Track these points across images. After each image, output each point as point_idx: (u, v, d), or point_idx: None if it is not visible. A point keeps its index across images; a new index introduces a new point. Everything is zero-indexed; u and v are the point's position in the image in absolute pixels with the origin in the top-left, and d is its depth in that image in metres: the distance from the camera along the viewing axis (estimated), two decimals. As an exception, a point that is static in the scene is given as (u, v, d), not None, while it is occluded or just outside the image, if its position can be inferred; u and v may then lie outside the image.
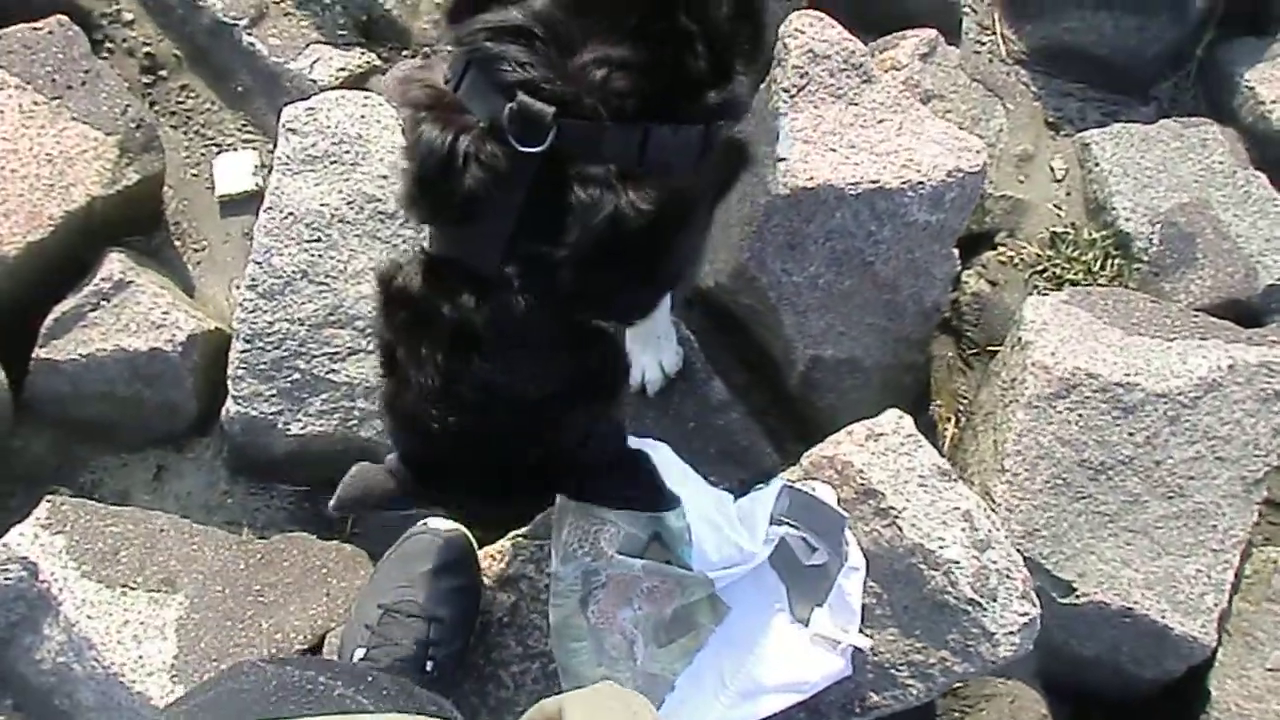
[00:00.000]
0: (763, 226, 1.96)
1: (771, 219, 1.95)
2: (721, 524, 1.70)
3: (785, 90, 1.97)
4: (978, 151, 1.97)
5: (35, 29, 2.22)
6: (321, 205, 2.07)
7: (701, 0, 1.32)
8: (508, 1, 1.29)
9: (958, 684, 2.08)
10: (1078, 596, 2.01)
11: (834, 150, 1.92)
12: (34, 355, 2.09)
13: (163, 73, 2.54)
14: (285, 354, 2.04)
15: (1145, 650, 2.05)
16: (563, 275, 1.31)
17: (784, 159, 1.91)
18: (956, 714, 2.12)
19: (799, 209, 1.93)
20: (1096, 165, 2.58)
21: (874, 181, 1.92)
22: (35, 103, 2.15)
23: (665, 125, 1.31)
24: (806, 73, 1.97)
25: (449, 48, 1.38)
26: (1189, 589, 2.01)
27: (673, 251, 1.43)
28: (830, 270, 2.01)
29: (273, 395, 2.05)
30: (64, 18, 2.27)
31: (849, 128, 1.96)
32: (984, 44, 2.84)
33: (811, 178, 1.91)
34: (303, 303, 2.04)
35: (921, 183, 1.93)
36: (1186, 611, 2.00)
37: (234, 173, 2.44)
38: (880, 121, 1.99)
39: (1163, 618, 1.99)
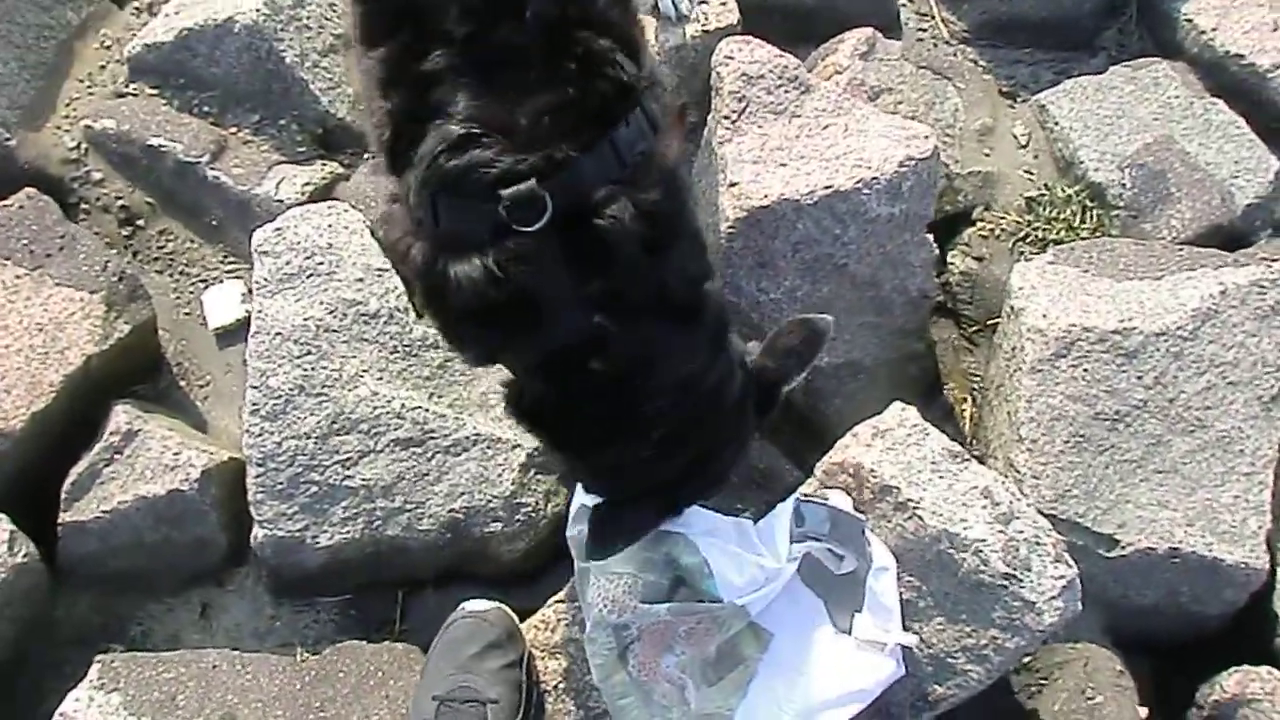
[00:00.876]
0: (729, 252, 1.98)
1: (735, 243, 1.97)
2: (740, 550, 1.70)
3: (726, 118, 2.00)
4: (925, 137, 1.99)
5: (5, 206, 2.29)
6: (305, 319, 2.12)
7: (581, 8, 1.36)
8: (429, 124, 1.34)
9: (1025, 658, 2.07)
10: (1123, 548, 2.00)
11: (784, 165, 1.95)
12: (60, 521, 2.13)
13: (140, 222, 2.60)
14: (299, 470, 2.07)
15: (1202, 587, 2.03)
16: (636, 290, 1.39)
17: (735, 183, 1.93)
18: (1033, 688, 2.10)
19: (760, 228, 1.96)
20: (1057, 124, 2.59)
21: (828, 187, 1.94)
22: (17, 276, 2.21)
23: (618, 125, 1.37)
24: (744, 96, 2.00)
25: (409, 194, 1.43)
26: (1230, 518, 1.99)
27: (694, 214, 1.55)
28: (805, 280, 2.03)
29: (295, 513, 2.08)
30: (32, 190, 2.34)
31: (795, 140, 1.99)
32: (925, 30, 2.87)
33: (766, 195, 1.93)
34: (305, 417, 2.07)
35: (876, 178, 1.95)
36: (1233, 540, 1.98)
37: (223, 304, 2.49)
38: (825, 128, 2.01)
39: (1210, 551, 1.98)
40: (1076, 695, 2.05)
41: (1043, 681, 2.10)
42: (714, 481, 1.69)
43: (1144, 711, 2.05)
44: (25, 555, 2.05)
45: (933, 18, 2.86)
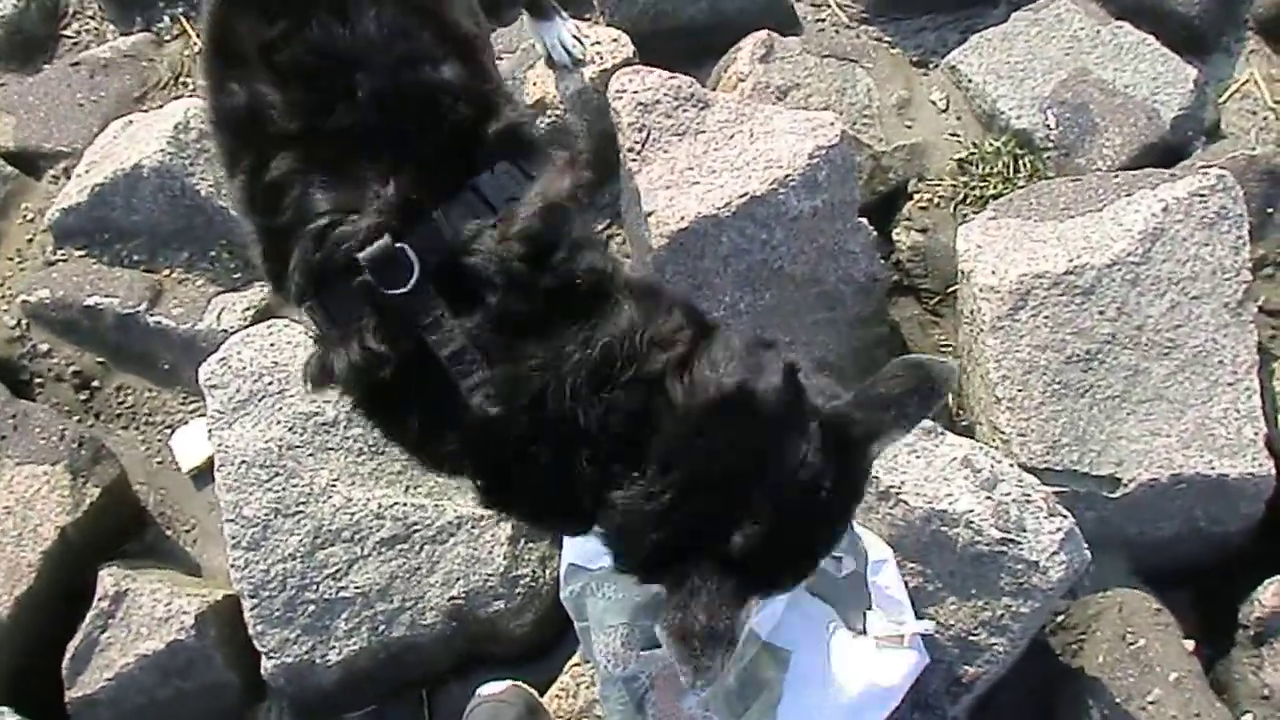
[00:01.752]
0: (664, 280, 1.96)
1: (666, 270, 1.95)
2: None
3: (631, 149, 1.99)
4: (831, 123, 1.98)
5: (-44, 402, 2.29)
6: (267, 442, 2.10)
7: (416, 75, 1.36)
8: (294, 234, 1.35)
9: (1057, 616, 2.03)
10: (1126, 485, 1.96)
11: (697, 183, 1.93)
12: (67, 699, 2.10)
13: (95, 383, 2.60)
14: (292, 593, 2.04)
15: (1216, 506, 1.99)
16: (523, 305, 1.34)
17: (651, 211, 1.92)
18: (1073, 646, 2.05)
19: (686, 250, 1.94)
20: (971, 82, 2.58)
21: (744, 194, 1.92)
22: (-26, 469, 2.21)
23: (478, 174, 1.35)
24: (643, 125, 1.99)
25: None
26: (1224, 431, 1.95)
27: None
28: (745, 291, 2.01)
29: (299, 636, 2.05)
30: (-16, 384, 2.34)
31: (703, 156, 1.97)
32: (823, 20, 2.87)
33: (683, 218, 1.91)
34: (286, 539, 2.05)
35: (789, 175, 1.94)
36: (1233, 452, 1.94)
37: (192, 445, 2.47)
38: (731, 137, 2.00)
39: (1213, 469, 1.94)
40: (1118, 643, 2.00)
41: (1081, 637, 2.05)
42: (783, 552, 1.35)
43: (1190, 644, 2.01)
44: (35, 745, 2.02)
45: (828, 6, 2.85)
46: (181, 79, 3.04)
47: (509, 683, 1.89)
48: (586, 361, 1.28)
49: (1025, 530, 1.66)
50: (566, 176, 1.38)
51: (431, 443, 1.39)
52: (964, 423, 2.28)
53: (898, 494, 1.71)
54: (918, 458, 1.72)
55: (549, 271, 1.31)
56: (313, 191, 1.31)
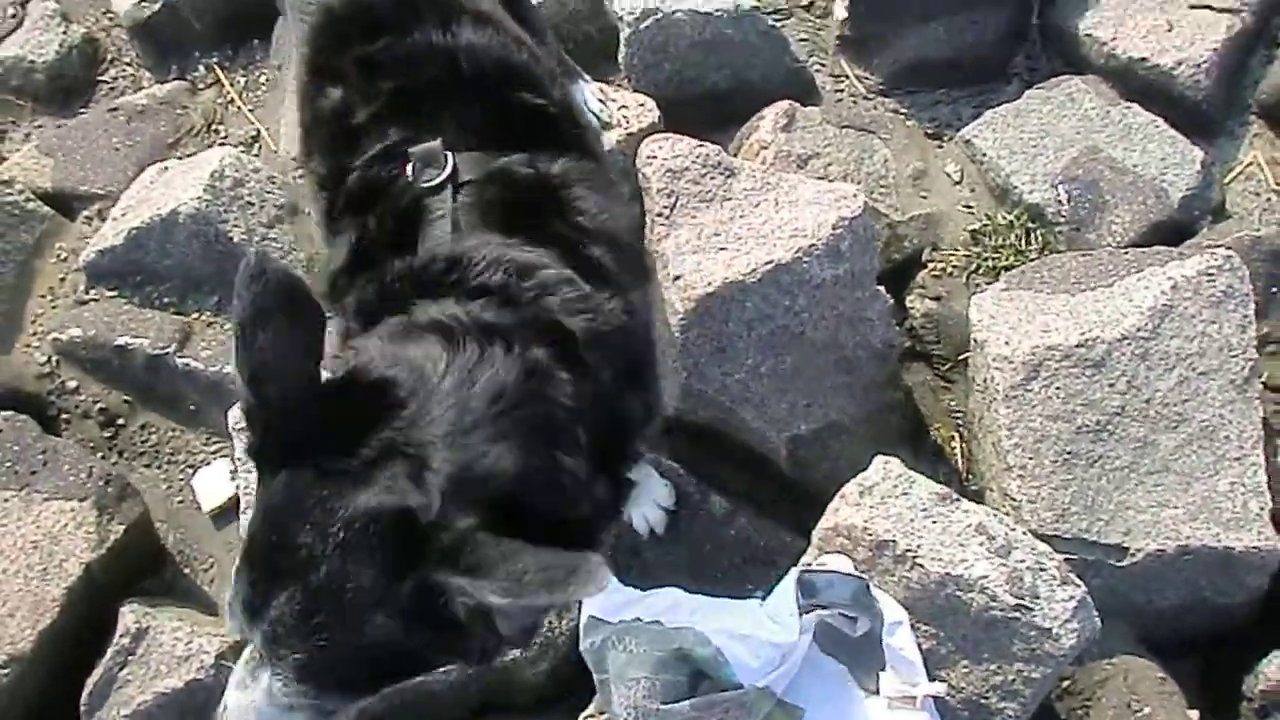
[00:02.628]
0: (687, 344, 2.02)
1: (690, 333, 2.01)
2: (750, 631, 1.70)
3: (659, 215, 2.06)
4: (854, 195, 2.04)
5: (-15, 430, 2.34)
6: (293, 486, 2.13)
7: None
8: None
9: (1064, 681, 2.06)
10: (1134, 554, 2.00)
11: (723, 249, 2.00)
12: (83, 733, 2.13)
13: (121, 421, 2.64)
14: (310, 635, 2.07)
15: (1221, 578, 2.03)
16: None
17: (679, 276, 1.98)
18: (1079, 711, 2.08)
19: (712, 314, 2.00)
20: (985, 155, 2.65)
21: (769, 261, 1.98)
22: (5, 500, 2.24)
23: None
24: (671, 191, 2.06)
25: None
26: (1230, 504, 2.00)
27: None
28: (767, 356, 2.07)
29: (314, 678, 2.08)
30: (8, 412, 2.39)
31: (729, 223, 2.04)
32: (841, 91, 2.95)
33: (710, 283, 1.98)
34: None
35: (813, 244, 2.00)
36: (1239, 526, 1.99)
37: (214, 486, 2.52)
38: (757, 205, 2.07)
39: (1219, 541, 1.98)
40: (1124, 710, 2.03)
41: (1087, 703, 2.08)
42: None
43: (1194, 715, 2.03)
44: (54, 782, 2.04)
45: (846, 77, 2.94)
46: (214, 126, 3.12)
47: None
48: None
49: (1039, 597, 1.70)
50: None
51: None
52: (973, 487, 2.33)
53: (914, 557, 1.75)
54: (934, 523, 1.77)
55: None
56: (393, 129, 1.55)
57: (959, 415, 2.47)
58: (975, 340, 2.22)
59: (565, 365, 1.36)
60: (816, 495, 2.28)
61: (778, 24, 2.89)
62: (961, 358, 2.48)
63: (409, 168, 1.52)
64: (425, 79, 1.61)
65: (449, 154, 1.51)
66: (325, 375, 1.33)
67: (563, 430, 1.33)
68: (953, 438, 2.45)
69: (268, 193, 2.71)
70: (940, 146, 2.82)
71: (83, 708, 2.12)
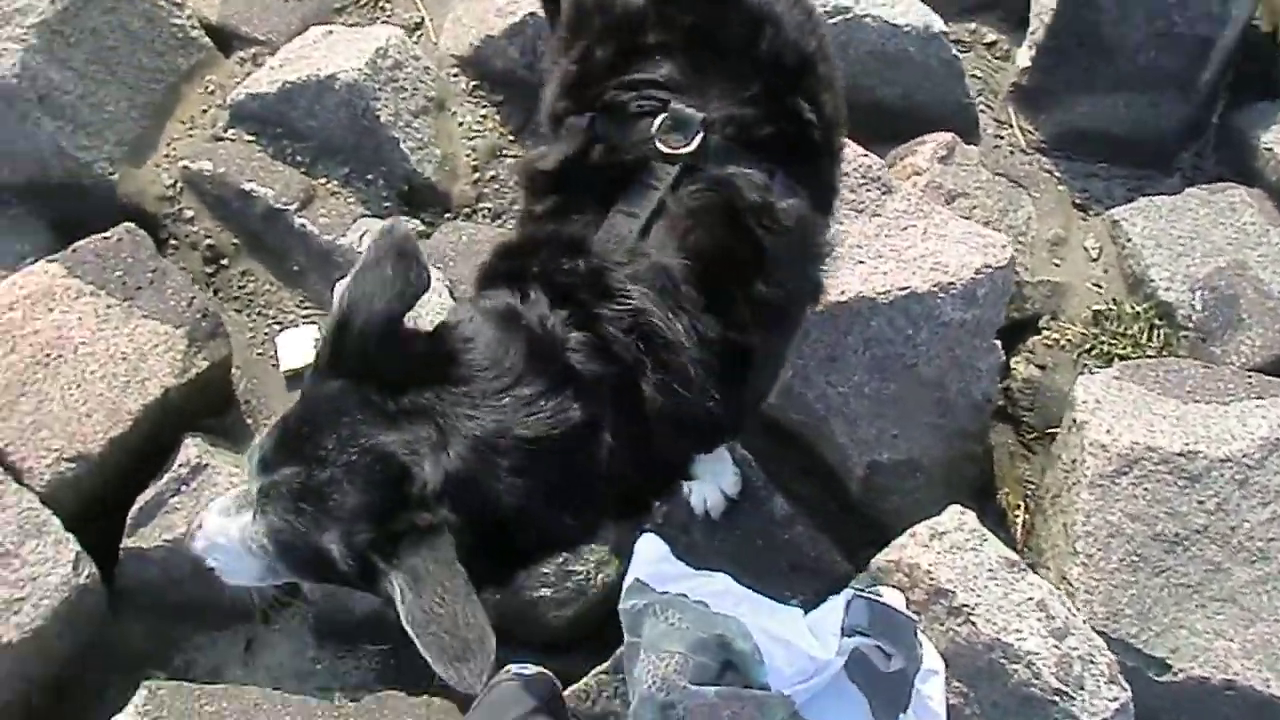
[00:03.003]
0: (802, 343, 2.01)
1: (810, 335, 2.01)
2: (791, 638, 1.70)
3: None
4: (1003, 246, 2.02)
5: (106, 239, 2.38)
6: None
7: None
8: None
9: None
10: (1175, 674, 1.98)
11: (862, 263, 1.99)
12: (122, 545, 2.18)
13: (224, 261, 2.69)
14: (359, 517, 2.10)
15: (1256, 724, 2.00)
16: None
17: (814, 277, 1.97)
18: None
19: (835, 323, 1.99)
20: (1129, 240, 2.61)
21: (904, 288, 1.97)
22: (109, 306, 2.29)
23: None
24: (826, 192, 2.05)
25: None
26: (1288, 654, 1.97)
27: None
28: (874, 377, 2.06)
29: (351, 559, 2.11)
30: (132, 225, 2.43)
31: (874, 239, 2.03)
32: (1002, 138, 2.91)
33: (843, 292, 1.97)
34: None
35: (952, 283, 1.99)
36: (1290, 678, 1.96)
37: (297, 348, 2.55)
38: (904, 229, 2.05)
39: (1268, 687, 1.95)
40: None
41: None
42: None
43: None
44: (88, 577, 2.09)
45: (1011, 125, 2.90)
46: (381, 3, 3.12)
47: (541, 669, 1.93)
48: None
49: (1083, 689, 1.69)
50: None
51: None
52: (1027, 560, 2.31)
53: (969, 614, 1.74)
54: (997, 585, 1.76)
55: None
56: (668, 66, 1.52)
57: (1030, 485, 2.45)
58: (1074, 419, 2.20)
59: (624, 434, 1.39)
60: (876, 524, 2.28)
61: (958, 55, 2.85)
62: (1049, 431, 2.45)
63: (658, 120, 1.48)
64: (722, 35, 1.56)
65: (702, 135, 1.46)
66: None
67: (583, 492, 1.40)
68: (1019, 506, 2.43)
69: (421, 82, 2.73)
70: (1085, 219, 2.78)
71: (129, 520, 2.17)
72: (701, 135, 1.47)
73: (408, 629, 1.23)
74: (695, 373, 1.40)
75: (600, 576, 2.15)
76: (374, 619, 2.18)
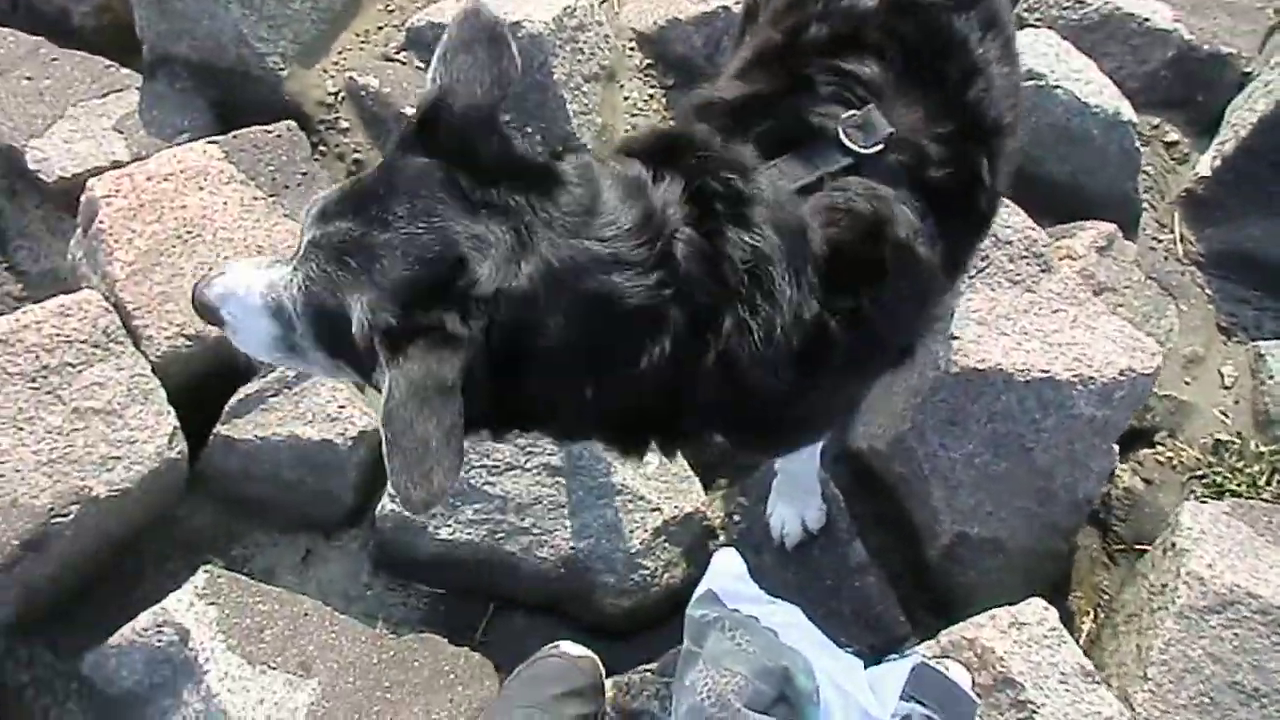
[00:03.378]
0: (928, 399, 1.98)
1: (938, 393, 1.97)
2: (851, 689, 1.68)
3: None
4: (1152, 354, 1.97)
5: (266, 131, 2.42)
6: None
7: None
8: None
9: None
10: (1218, 823, 1.92)
11: (1007, 335, 1.95)
12: (214, 431, 2.22)
13: (365, 179, 2.71)
14: (446, 461, 2.11)
15: None
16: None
17: (957, 337, 1.94)
18: None
19: (966, 388, 1.95)
20: (1270, 377, 2.53)
21: (1044, 371, 1.93)
22: (254, 198, 2.32)
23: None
24: (988, 255, 2.01)
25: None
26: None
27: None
28: (988, 450, 2.02)
29: (428, 499, 2.12)
30: (293, 123, 2.47)
31: (1024, 314, 1.99)
32: (1160, 241, 2.83)
33: (983, 360, 1.93)
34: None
35: (1092, 378, 1.94)
36: None
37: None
38: (1055, 311, 2.01)
39: None
40: None
41: None
42: None
43: None
44: (179, 453, 2.14)
45: (1172, 231, 2.82)
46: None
47: (588, 653, 1.93)
48: None
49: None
50: None
51: None
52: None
53: (1033, 712, 1.71)
54: (1068, 691, 1.72)
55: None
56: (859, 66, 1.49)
57: (1104, 595, 2.39)
58: (1173, 543, 2.13)
59: (680, 349, 1.31)
60: (943, 593, 2.25)
61: (1140, 148, 2.79)
62: (1137, 546, 2.39)
63: (850, 112, 1.45)
64: (936, 66, 1.53)
65: (882, 147, 1.43)
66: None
67: (614, 377, 1.31)
68: (1088, 613, 2.37)
69: (599, 49, 2.73)
70: (1227, 343, 2.70)
71: (227, 408, 2.21)
72: (881, 148, 1.44)
73: (381, 428, 1.18)
74: (778, 336, 1.35)
75: (666, 577, 2.14)
76: (435, 562, 2.20)
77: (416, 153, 1.29)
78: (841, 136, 1.43)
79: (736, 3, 2.69)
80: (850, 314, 1.40)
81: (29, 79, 2.64)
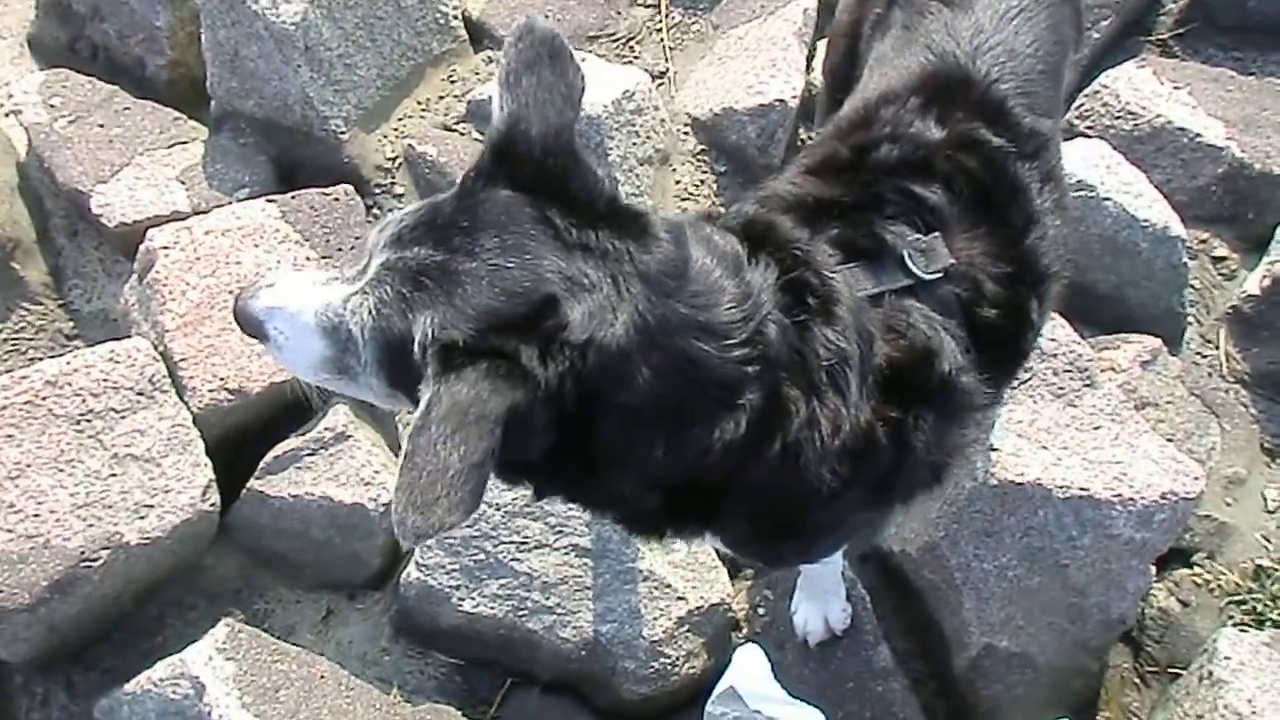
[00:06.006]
0: (963, 510, 1.96)
1: (974, 504, 1.96)
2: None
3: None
4: (1195, 478, 1.95)
5: (324, 194, 2.46)
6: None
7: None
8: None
9: None
10: None
11: (1047, 449, 1.93)
12: (247, 485, 2.23)
13: (415, 244, 2.74)
14: (476, 534, 2.12)
15: None
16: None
17: (997, 449, 1.92)
18: None
19: (1003, 501, 1.94)
20: (1313, 503, 2.49)
21: (1084, 489, 1.91)
22: (308, 258, 2.36)
23: None
24: (1031, 368, 2.01)
25: None
26: None
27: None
28: (1022, 564, 1.99)
29: (455, 570, 2.13)
30: (350, 187, 2.51)
31: (1065, 429, 1.97)
32: (1204, 358, 2.80)
33: (1022, 473, 1.91)
34: (502, 492, 2.12)
35: (1133, 499, 1.92)
36: None
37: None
38: (1097, 428, 1.99)
39: None
40: None
41: None
42: None
43: None
44: (211, 505, 2.15)
45: (1218, 348, 2.79)
46: (632, 43, 3.18)
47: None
48: None
49: None
50: None
51: None
52: (1113, 795, 2.21)
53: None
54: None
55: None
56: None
57: (1134, 716, 2.33)
58: (1209, 672, 2.08)
59: (751, 430, 1.28)
60: (969, 707, 2.20)
61: (1187, 263, 2.77)
62: (1171, 670, 2.33)
63: (915, 235, 1.49)
64: (998, 208, 1.57)
65: (941, 276, 1.47)
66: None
67: (681, 444, 1.27)
68: (1118, 734, 2.32)
69: (654, 132, 2.76)
70: (1270, 465, 2.65)
71: (262, 464, 2.23)
72: (940, 276, 1.47)
73: (405, 440, 1.09)
74: (841, 436, 1.35)
75: (686, 667, 2.11)
76: (455, 633, 2.19)
77: (498, 184, 1.24)
78: (906, 258, 1.46)
79: (794, 97, 2.73)
80: (895, 425, 1.40)
81: (101, 126, 2.71)
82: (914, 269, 1.45)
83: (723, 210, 2.81)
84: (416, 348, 1.17)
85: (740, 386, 1.26)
